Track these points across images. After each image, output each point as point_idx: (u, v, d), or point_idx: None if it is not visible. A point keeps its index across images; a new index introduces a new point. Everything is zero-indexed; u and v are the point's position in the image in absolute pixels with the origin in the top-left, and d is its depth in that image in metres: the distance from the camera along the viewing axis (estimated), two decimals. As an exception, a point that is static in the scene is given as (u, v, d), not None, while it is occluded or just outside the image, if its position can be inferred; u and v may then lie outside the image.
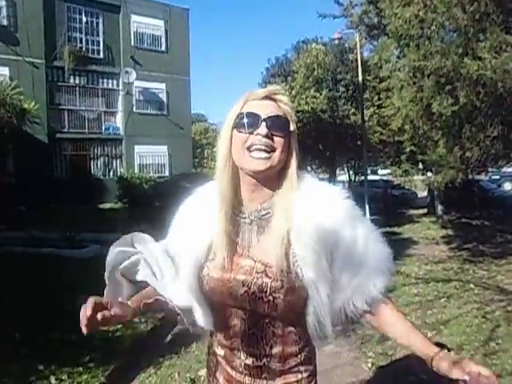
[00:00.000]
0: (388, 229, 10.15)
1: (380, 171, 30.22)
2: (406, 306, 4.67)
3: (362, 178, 15.98)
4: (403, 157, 11.54)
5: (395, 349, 3.63)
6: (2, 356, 3.27)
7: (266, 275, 1.05)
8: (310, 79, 16.34)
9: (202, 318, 1.16)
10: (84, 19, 18.72)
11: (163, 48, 20.84)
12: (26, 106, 11.94)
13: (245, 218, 1.12)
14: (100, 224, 10.87)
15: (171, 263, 1.16)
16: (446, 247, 8.54)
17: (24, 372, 3.13)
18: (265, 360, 1.12)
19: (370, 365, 3.42)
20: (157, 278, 1.16)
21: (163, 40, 20.82)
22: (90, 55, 18.83)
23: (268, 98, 1.10)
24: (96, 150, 19.40)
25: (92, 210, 15.00)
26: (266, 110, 1.07)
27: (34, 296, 4.91)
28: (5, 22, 16.16)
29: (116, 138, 19.76)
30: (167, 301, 1.13)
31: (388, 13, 5.33)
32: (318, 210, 1.06)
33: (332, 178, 18.70)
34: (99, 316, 1.09)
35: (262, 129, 1.05)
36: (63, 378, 3.12)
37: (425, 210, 14.79)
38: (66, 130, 18.37)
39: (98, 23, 19.21)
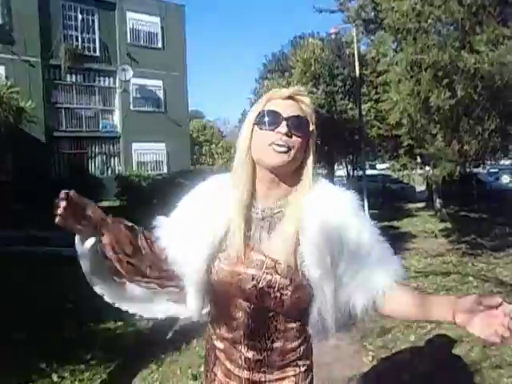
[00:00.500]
0: (387, 223, 10.18)
1: (378, 166, 30.25)
2: (405, 300, 4.69)
3: (361, 172, 16.00)
4: (401, 151, 11.55)
5: (395, 342, 3.66)
6: (4, 354, 3.28)
7: (276, 271, 1.08)
8: (307, 74, 16.30)
9: (195, 308, 1.19)
10: (79, 17, 18.62)
11: (159, 45, 20.76)
12: (22, 104, 11.89)
13: (257, 213, 1.14)
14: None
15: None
16: (444, 240, 8.57)
17: (26, 370, 3.14)
18: (265, 354, 1.14)
19: (370, 358, 3.44)
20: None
21: (159, 37, 20.74)
22: (86, 53, 18.74)
23: (291, 98, 1.13)
24: (94, 148, 19.36)
25: (91, 208, 14.98)
26: (287, 109, 1.10)
27: (35, 295, 4.92)
28: (0, 21, 16.07)
29: (113, 135, 19.71)
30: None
31: (385, 6, 5.32)
32: (328, 212, 1.09)
33: (330, 173, 18.72)
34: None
35: (283, 127, 1.07)
36: (65, 375, 3.13)
37: (423, 204, 14.84)
38: (63, 128, 18.32)
39: (93, 21, 19.11)
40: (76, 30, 18.56)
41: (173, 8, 21.33)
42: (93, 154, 19.36)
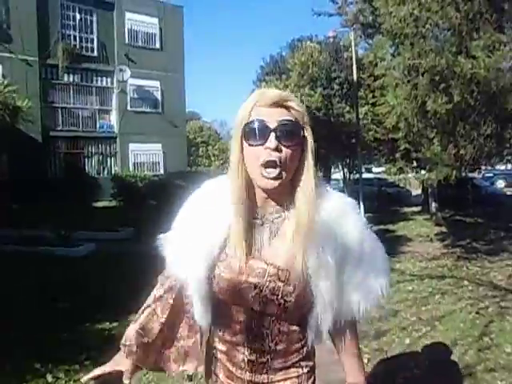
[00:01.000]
0: (382, 226, 10.21)
1: (374, 169, 30.32)
2: (400, 303, 4.72)
3: (357, 176, 16.04)
4: (398, 155, 11.59)
5: (391, 345, 3.67)
6: (-2, 354, 3.27)
7: (279, 279, 1.06)
8: (305, 77, 16.34)
9: (200, 314, 1.17)
10: (78, 16, 18.61)
11: (157, 46, 20.78)
12: (19, 103, 11.86)
13: (257, 219, 1.11)
14: (94, 222, 10.85)
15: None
16: (439, 244, 8.61)
17: (21, 370, 3.13)
18: (268, 356, 1.13)
19: (365, 361, 3.45)
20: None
21: (157, 38, 20.76)
22: (83, 53, 18.73)
23: (277, 104, 1.05)
24: (90, 148, 19.32)
25: (86, 208, 14.94)
26: (274, 116, 1.04)
27: (29, 294, 4.91)
28: (-3, 19, 16.04)
29: (110, 136, 19.68)
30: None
31: (383, 11, 5.36)
32: (329, 219, 1.07)
33: (327, 176, 18.75)
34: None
35: (271, 142, 1.02)
36: (60, 376, 3.12)
37: (419, 208, 14.89)
38: (60, 128, 18.28)
39: (91, 21, 19.10)
40: (74, 29, 18.55)
41: (171, 9, 21.37)
42: (89, 154, 19.32)
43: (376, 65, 5.77)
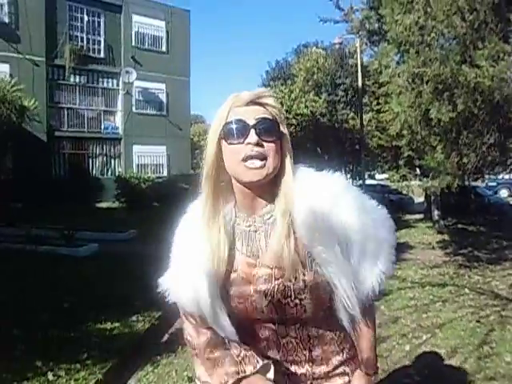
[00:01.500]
0: (385, 233, 10.16)
1: (378, 176, 30.30)
2: (401, 310, 4.71)
3: (360, 182, 16.06)
4: (401, 162, 11.60)
5: (391, 351, 3.67)
6: (0, 352, 3.29)
7: (287, 279, 1.01)
8: (310, 83, 16.44)
9: (229, 330, 1.09)
10: (86, 18, 18.76)
11: (164, 49, 20.90)
12: (25, 103, 11.96)
13: (249, 226, 1.08)
14: (97, 223, 10.89)
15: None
16: (441, 252, 8.59)
17: (22, 368, 3.14)
18: (307, 366, 1.08)
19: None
20: None
21: (164, 41, 20.88)
22: (90, 54, 18.86)
23: (253, 102, 1.05)
24: (95, 149, 19.41)
25: (90, 208, 15.01)
26: (252, 114, 1.03)
27: (32, 293, 4.93)
28: (6, 19, 16.17)
29: (115, 137, 19.77)
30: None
31: (388, 19, 5.39)
32: (320, 202, 1.03)
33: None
34: None
35: (252, 137, 1.01)
36: (61, 374, 3.13)
37: (421, 216, 14.85)
38: (65, 128, 18.38)
39: (99, 22, 19.25)
40: (81, 31, 18.68)
41: (178, 12, 21.50)
42: (93, 155, 19.41)
43: (381, 72, 5.81)
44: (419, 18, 4.89)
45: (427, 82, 5.08)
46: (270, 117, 1.04)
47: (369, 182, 22.91)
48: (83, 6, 18.60)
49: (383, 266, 1.07)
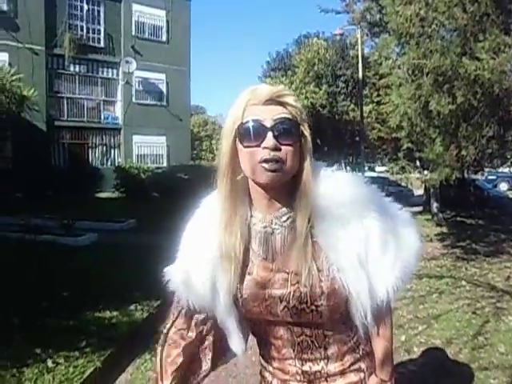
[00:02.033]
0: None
1: (377, 168, 30.30)
2: (398, 301, 4.74)
3: (360, 174, 16.05)
4: (400, 154, 11.60)
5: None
6: (0, 340, 3.32)
7: (303, 285, 0.98)
8: (311, 74, 16.38)
9: (236, 343, 1.10)
10: (85, 7, 18.62)
11: (164, 38, 20.77)
12: (25, 92, 11.89)
13: (265, 227, 1.04)
14: (97, 213, 10.91)
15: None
16: (439, 244, 8.62)
17: (22, 355, 3.17)
18: (322, 363, 1.07)
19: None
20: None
21: (164, 30, 20.75)
22: (90, 43, 18.75)
23: (272, 101, 0.98)
24: (94, 139, 19.39)
25: (89, 198, 15.03)
26: (270, 114, 0.97)
27: (31, 282, 4.96)
28: (5, 7, 16.04)
29: (115, 127, 19.74)
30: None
31: (389, 10, 5.36)
32: (341, 207, 1.01)
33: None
34: None
35: (269, 141, 0.95)
36: (60, 361, 3.16)
37: (420, 208, 14.88)
38: (64, 118, 18.35)
39: (99, 11, 19.11)
40: (81, 20, 18.56)
41: (178, 2, 21.32)
42: (93, 145, 19.39)
43: (381, 64, 5.78)
44: (420, 9, 4.87)
45: (427, 74, 5.07)
46: (289, 117, 0.98)
47: (369, 174, 22.92)
48: (83, -6, 18.47)
49: (400, 273, 1.03)
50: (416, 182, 10.55)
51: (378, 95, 13.32)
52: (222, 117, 45.34)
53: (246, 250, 1.04)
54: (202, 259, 1.06)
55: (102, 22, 19.17)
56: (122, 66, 19.36)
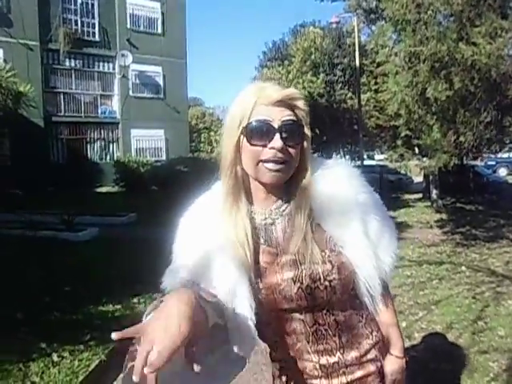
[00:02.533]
0: (383, 213, 10.22)
1: (376, 156, 30.29)
2: (399, 288, 4.78)
3: (359, 162, 16.07)
4: (399, 141, 11.59)
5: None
6: (5, 335, 3.35)
7: (312, 263, 1.01)
8: (307, 63, 16.30)
9: (248, 344, 1.00)
10: (79, 1, 18.44)
11: (160, 31, 20.61)
12: (21, 88, 11.82)
13: (265, 219, 1.07)
14: (97, 207, 10.93)
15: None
16: (439, 231, 8.66)
17: (27, 350, 3.21)
18: (338, 354, 1.07)
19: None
20: None
21: (160, 22, 20.58)
22: (85, 38, 18.62)
23: (282, 102, 1.00)
24: (92, 134, 19.34)
25: (89, 193, 15.04)
26: (279, 115, 0.99)
27: (33, 278, 4.99)
28: (-2, 3, 15.91)
29: (112, 121, 19.68)
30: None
31: (385, -4, 5.32)
32: (337, 186, 1.06)
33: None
34: None
35: (277, 142, 0.97)
36: (65, 355, 3.20)
37: (420, 195, 14.92)
38: (61, 113, 18.28)
39: (93, 5, 18.93)
40: (75, 14, 18.40)
41: (173, -7, 21.13)
42: (91, 140, 19.35)
43: (377, 52, 5.75)
44: (416, -5, 4.84)
45: (424, 61, 5.05)
46: (296, 119, 1.01)
47: (368, 162, 22.91)
48: (76, -13, 18.29)
49: (395, 243, 1.12)
50: (415, 169, 10.56)
51: (376, 83, 13.28)
52: (220, 108, 45.18)
53: (254, 242, 1.05)
54: (209, 256, 1.01)
55: (96, 15, 19.01)
56: (118, 59, 19.25)
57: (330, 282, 1.01)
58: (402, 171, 15.12)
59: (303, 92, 15.25)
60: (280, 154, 0.97)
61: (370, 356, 1.09)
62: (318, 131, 16.33)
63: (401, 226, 9.04)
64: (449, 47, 4.56)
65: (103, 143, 19.66)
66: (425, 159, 10.11)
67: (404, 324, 3.81)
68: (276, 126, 0.97)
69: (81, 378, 2.91)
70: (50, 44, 17.43)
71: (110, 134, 19.79)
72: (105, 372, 3.11)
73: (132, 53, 19.24)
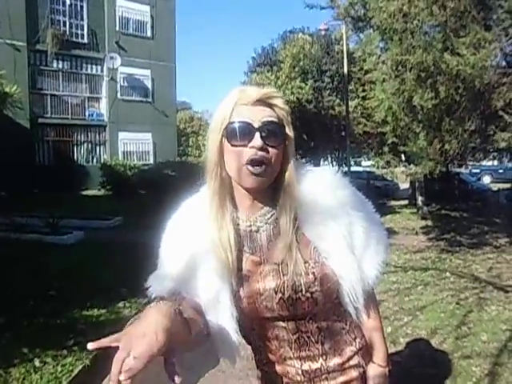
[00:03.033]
0: (369, 219, 10.29)
1: (364, 163, 30.49)
2: (384, 293, 4.82)
3: (346, 168, 16.19)
4: (386, 148, 11.70)
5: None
6: (-15, 339, 3.30)
7: (295, 274, 1.00)
8: (296, 69, 16.40)
9: (232, 349, 1.03)
10: (68, 2, 18.29)
11: (149, 34, 20.56)
12: (7, 89, 11.68)
13: (250, 226, 1.06)
14: (83, 211, 10.82)
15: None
16: (424, 237, 8.76)
17: (8, 355, 3.16)
18: (321, 360, 1.07)
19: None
20: None
21: (149, 26, 20.53)
22: (73, 39, 18.47)
23: (261, 102, 1.00)
24: (79, 137, 19.16)
25: (75, 196, 14.87)
26: (258, 115, 0.99)
27: (17, 281, 4.92)
28: (-16, 3, 15.70)
29: (100, 124, 19.52)
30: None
31: (373, 6, 5.40)
32: (323, 196, 1.05)
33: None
34: None
35: (257, 141, 0.96)
36: (47, 360, 3.15)
37: (406, 202, 15.07)
38: (48, 115, 18.08)
39: (82, 6, 18.81)
40: (64, 15, 18.25)
41: (163, -3, 21.12)
42: (78, 142, 19.16)
43: (365, 60, 5.82)
44: (403, 4, 4.92)
45: (410, 70, 5.14)
46: (276, 120, 1.00)
47: (355, 168, 23.09)
48: (65, -12, 18.15)
49: (383, 254, 1.10)
50: (401, 175, 10.68)
51: (364, 90, 13.39)
52: (208, 112, 45.08)
53: (238, 250, 1.04)
54: (200, 264, 1.02)
55: (85, 17, 18.89)
56: (107, 61, 19.13)
57: (311, 293, 1.00)
58: (389, 177, 15.27)
59: (292, 98, 15.33)
60: (260, 153, 0.96)
61: (352, 362, 1.09)
62: (305, 137, 16.42)
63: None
64: (434, 57, 4.65)
65: (90, 146, 19.48)
66: (411, 166, 10.22)
67: (389, 329, 3.84)
68: (256, 126, 0.97)
69: (64, 383, 2.88)
70: (38, 45, 17.25)
71: (97, 137, 19.62)
72: (88, 377, 3.07)
73: (121, 55, 19.15)
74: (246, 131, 0.97)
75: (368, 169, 22.12)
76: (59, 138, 18.44)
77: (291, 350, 1.06)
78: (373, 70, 5.91)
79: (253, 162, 0.96)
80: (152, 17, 20.55)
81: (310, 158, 19.05)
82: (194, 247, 1.03)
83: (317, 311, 1.03)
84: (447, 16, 4.50)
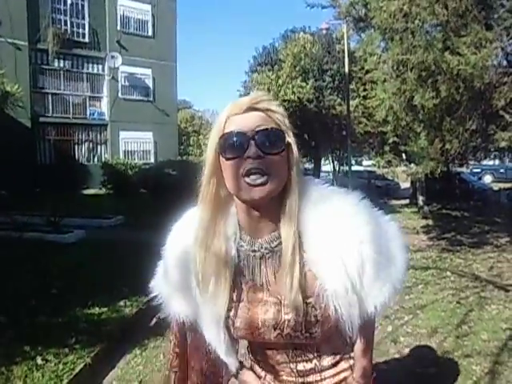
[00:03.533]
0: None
1: (365, 162, 30.49)
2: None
3: (347, 168, 16.20)
4: (386, 148, 11.72)
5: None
6: (-12, 338, 3.31)
7: (298, 314, 0.96)
8: (297, 69, 16.39)
9: (232, 361, 1.10)
10: (69, 1, 18.31)
11: (150, 33, 20.57)
12: (8, 88, 11.70)
13: (254, 251, 0.99)
14: (84, 209, 10.84)
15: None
16: (425, 237, 8.76)
17: (10, 353, 3.17)
18: (315, 361, 1.07)
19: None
20: None
21: (150, 25, 20.54)
22: (74, 38, 18.48)
23: (252, 108, 0.93)
24: (80, 136, 19.18)
25: (76, 195, 14.90)
26: (251, 124, 0.92)
27: (18, 280, 4.93)
28: (-15, 2, 15.71)
29: (101, 123, 19.54)
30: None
31: (374, 5, 5.41)
32: (334, 232, 0.96)
33: (317, 168, 18.87)
34: None
35: (251, 149, 0.89)
36: (49, 358, 3.17)
37: (407, 201, 15.08)
38: (49, 114, 18.10)
39: (83, 5, 18.82)
40: (65, 14, 18.26)
41: (165, -4, 21.12)
42: (79, 141, 19.18)
43: (366, 60, 5.83)
44: (404, 4, 4.92)
45: (411, 69, 5.14)
46: (272, 125, 0.93)
47: (356, 168, 23.09)
48: (66, -12, 18.16)
49: (389, 293, 1.00)
50: (402, 175, 10.68)
51: (365, 90, 13.39)
52: (209, 111, 45.11)
53: (235, 275, 1.00)
54: (188, 288, 1.03)
55: (86, 16, 18.89)
56: (108, 61, 19.15)
57: (310, 333, 0.98)
58: (390, 177, 15.28)
59: (293, 97, 15.33)
60: (257, 161, 0.89)
61: (345, 356, 1.10)
62: (306, 136, 16.42)
63: (387, 232, 9.10)
64: (435, 56, 4.65)
65: (91, 145, 19.51)
66: (412, 165, 10.23)
67: (390, 328, 3.85)
68: (249, 134, 0.90)
69: (65, 381, 2.89)
70: (39, 44, 17.26)
71: (99, 136, 19.64)
72: (90, 375, 3.09)
73: (122, 55, 19.15)
74: (240, 141, 0.90)
75: (369, 168, 22.12)
76: (60, 137, 18.46)
77: (288, 356, 1.07)
78: (374, 69, 5.91)
79: (250, 172, 0.89)
80: (153, 16, 20.55)
81: (310, 158, 19.03)
82: (194, 259, 1.01)
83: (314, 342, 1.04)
84: (448, 15, 4.50)
